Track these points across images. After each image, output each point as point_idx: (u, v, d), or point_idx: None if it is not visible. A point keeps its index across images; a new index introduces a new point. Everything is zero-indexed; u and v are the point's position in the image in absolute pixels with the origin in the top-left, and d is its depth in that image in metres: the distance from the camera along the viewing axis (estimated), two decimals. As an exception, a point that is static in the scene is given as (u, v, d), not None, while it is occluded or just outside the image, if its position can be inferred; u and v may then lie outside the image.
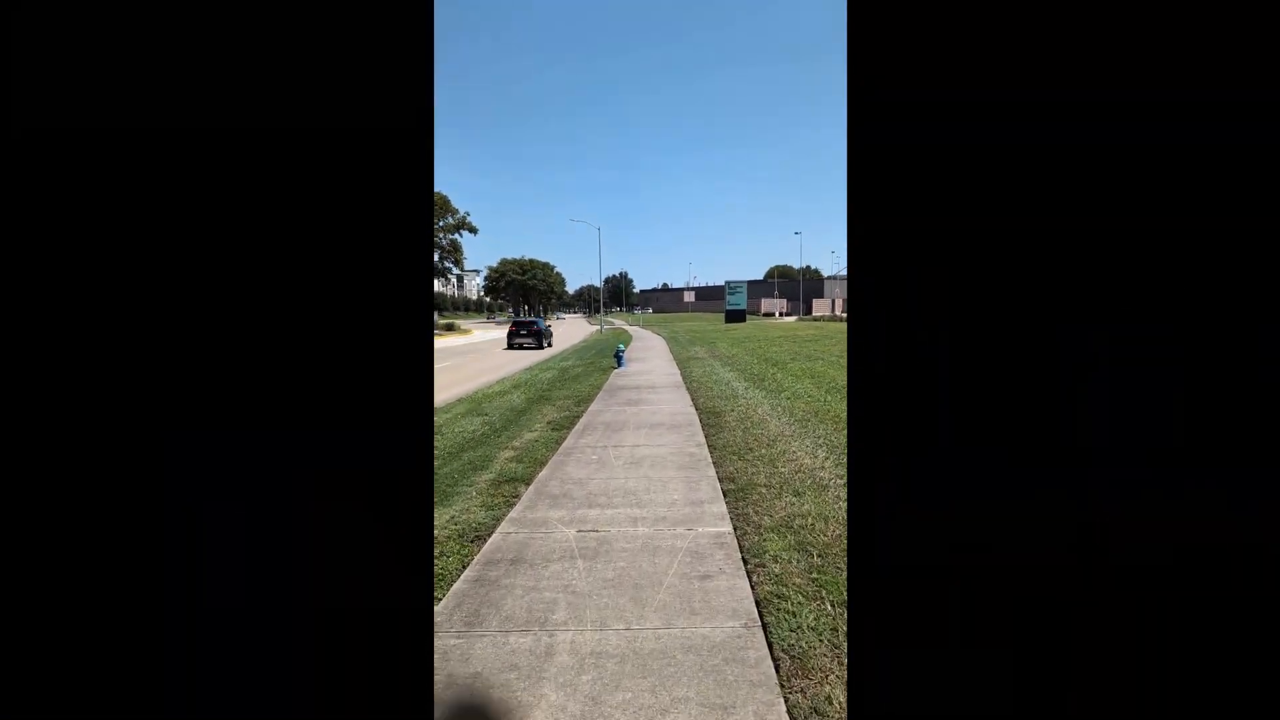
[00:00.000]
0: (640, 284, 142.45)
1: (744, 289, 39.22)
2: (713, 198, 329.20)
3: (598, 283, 40.88)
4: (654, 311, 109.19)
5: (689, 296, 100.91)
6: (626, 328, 41.07)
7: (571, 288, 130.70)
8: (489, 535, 3.35)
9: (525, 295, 73.48)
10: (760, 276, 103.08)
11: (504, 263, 71.41)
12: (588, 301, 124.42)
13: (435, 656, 2.15)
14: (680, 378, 10.40)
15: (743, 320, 38.08)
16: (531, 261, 72.42)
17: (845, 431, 5.31)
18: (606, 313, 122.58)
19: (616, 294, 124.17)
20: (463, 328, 41.51)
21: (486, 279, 73.69)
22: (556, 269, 77.60)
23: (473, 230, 41.48)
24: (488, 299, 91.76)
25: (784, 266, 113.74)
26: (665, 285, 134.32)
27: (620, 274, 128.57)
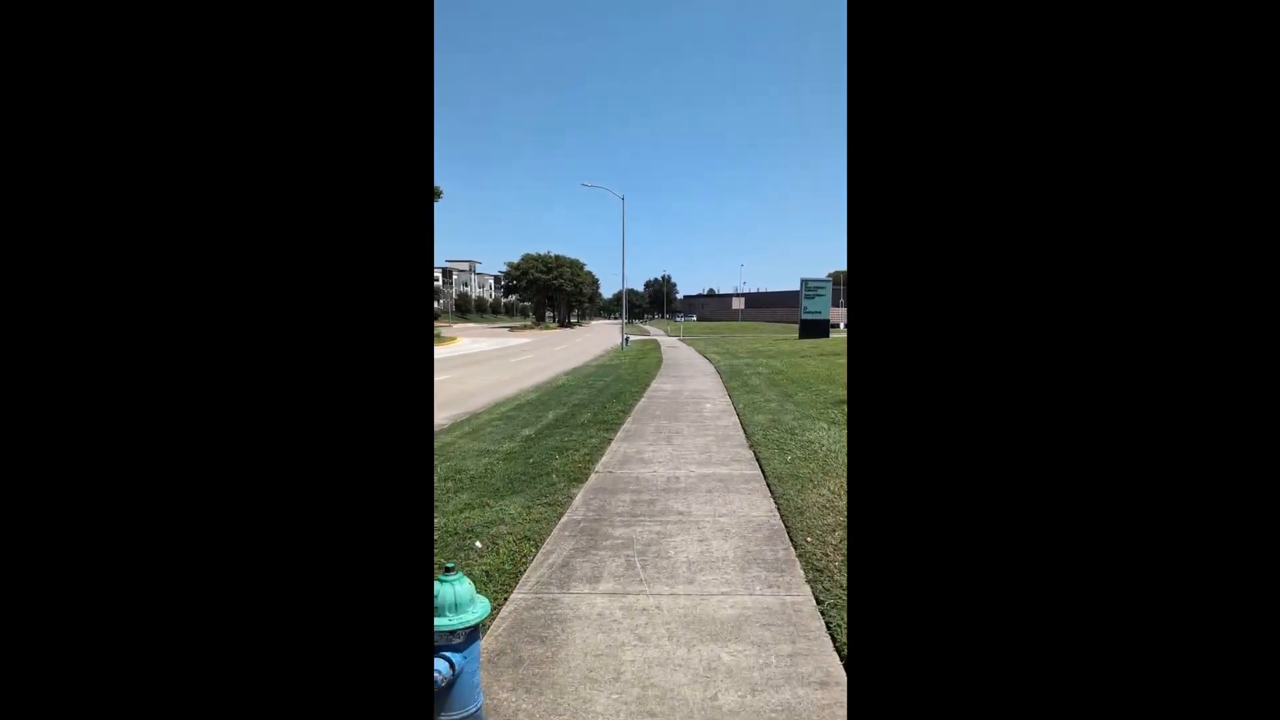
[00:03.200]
0: (684, 289, 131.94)
1: (828, 291, 28.02)
2: (766, 199, 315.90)
3: (620, 267, 31.25)
4: (698, 319, 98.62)
5: (738, 303, 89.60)
6: (663, 338, 30.91)
7: (609, 291, 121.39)
8: None
9: (550, 297, 63.74)
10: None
11: (526, 259, 61.53)
12: (628, 306, 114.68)
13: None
14: None
15: (825, 335, 26.90)
16: (558, 258, 62.29)
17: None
18: (646, 319, 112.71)
19: (657, 299, 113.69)
20: (445, 335, 31.76)
21: (505, 277, 64.15)
22: (588, 268, 67.49)
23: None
24: (513, 299, 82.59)
25: (843, 272, 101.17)
26: (711, 291, 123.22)
27: (662, 277, 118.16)
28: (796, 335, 29.06)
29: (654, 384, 11.09)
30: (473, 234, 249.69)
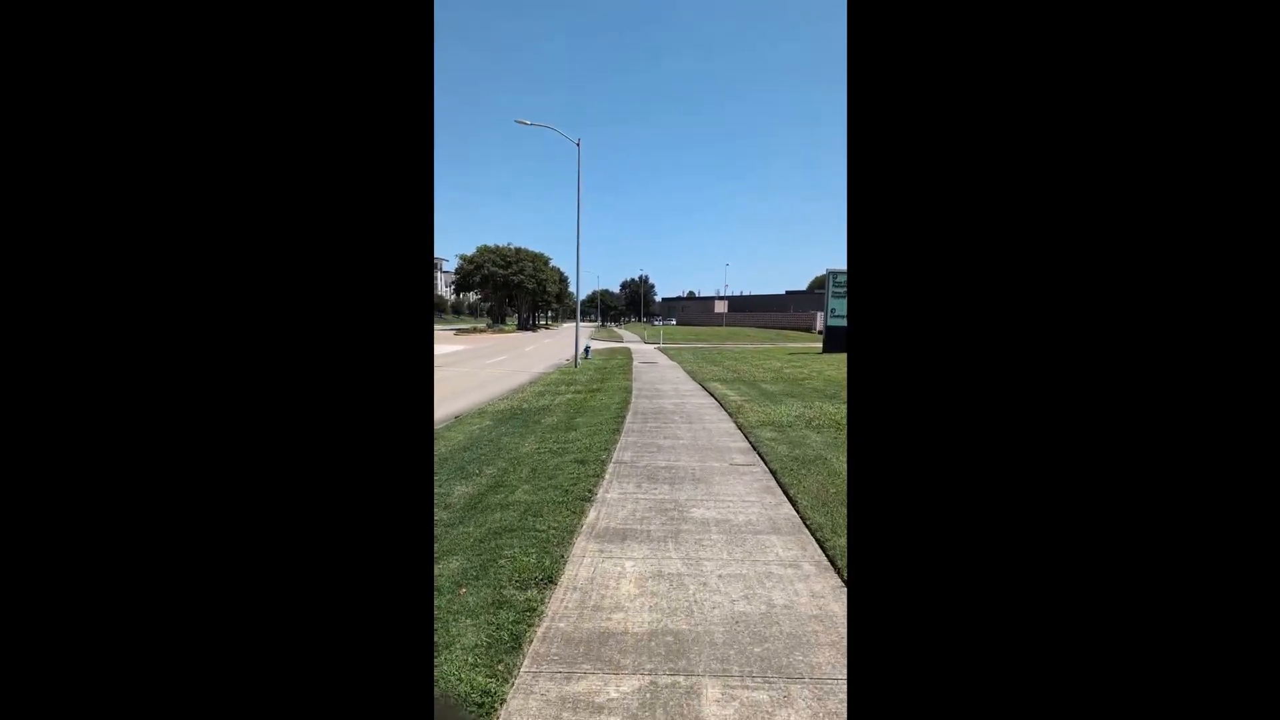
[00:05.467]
0: (662, 290, 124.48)
1: (866, 288, 20.57)
2: (749, 201, 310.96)
3: (576, 235, 18.34)
4: (678, 323, 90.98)
5: (721, 306, 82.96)
6: (638, 347, 23.10)
7: (583, 291, 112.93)
8: None
9: (511, 295, 55.25)
10: (804, 287, 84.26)
11: (482, 251, 52.54)
12: (603, 308, 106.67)
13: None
14: None
15: (863, 349, 19.29)
16: (518, 251, 53.15)
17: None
18: (622, 323, 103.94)
19: (634, 300, 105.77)
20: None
21: (457, 271, 55.17)
22: (554, 263, 58.62)
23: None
24: (475, 298, 73.66)
25: (837, 270, 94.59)
26: (691, 293, 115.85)
27: (639, 278, 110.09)
28: (810, 344, 21.57)
29: (585, 541, 3.27)
30: (442, 232, 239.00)
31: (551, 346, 26.47)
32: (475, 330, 45.40)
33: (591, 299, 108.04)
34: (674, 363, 17.26)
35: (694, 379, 12.32)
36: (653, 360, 18.27)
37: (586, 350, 19.97)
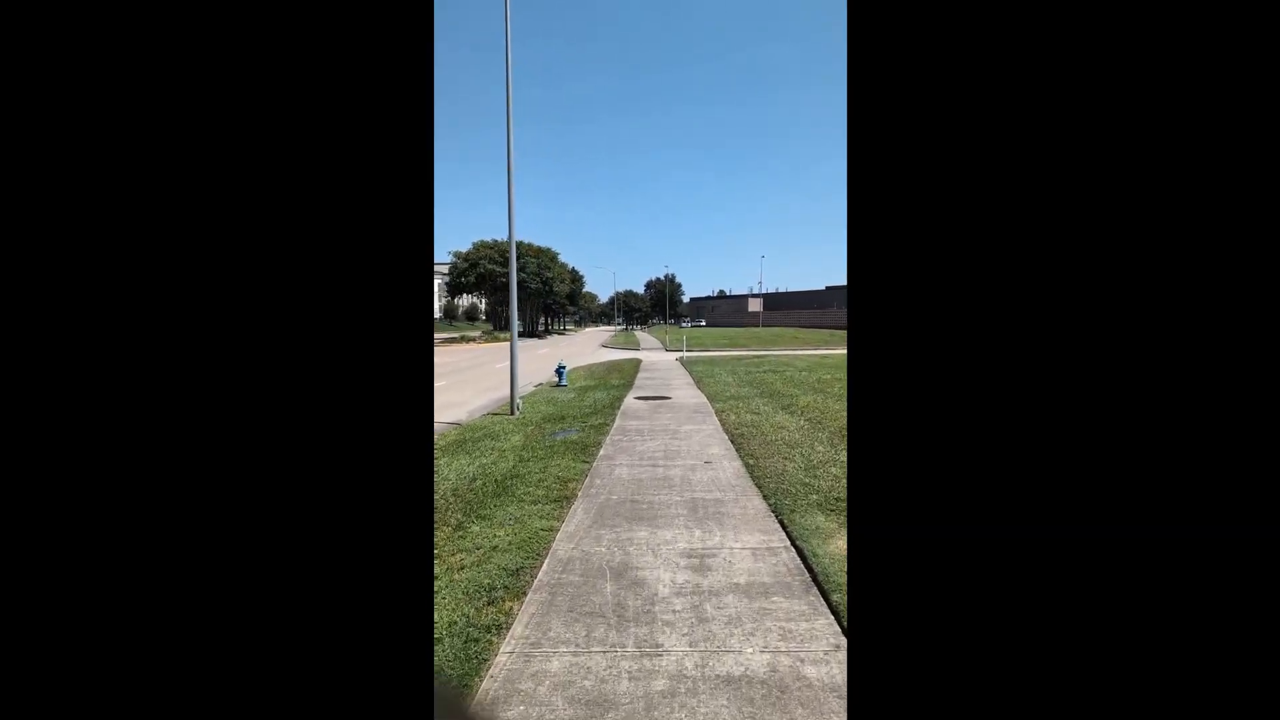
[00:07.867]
0: (690, 290, 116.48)
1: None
2: (780, 198, 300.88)
3: (507, 138, 8.01)
4: (707, 324, 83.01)
5: (755, 305, 74.50)
6: (654, 357, 15.81)
7: (604, 293, 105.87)
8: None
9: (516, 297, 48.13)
10: (841, 282, 75.55)
11: (479, 247, 45.44)
12: (626, 310, 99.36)
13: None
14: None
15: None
16: (520, 246, 46.82)
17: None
18: (646, 325, 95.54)
19: (660, 301, 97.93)
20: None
21: (451, 270, 48.13)
22: (562, 259, 51.01)
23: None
24: (480, 301, 66.86)
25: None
26: (722, 292, 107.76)
27: (665, 277, 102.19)
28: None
29: None
30: (464, 237, 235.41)
31: (532, 363, 19.05)
32: (464, 340, 38.07)
33: (612, 301, 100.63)
34: (701, 395, 9.52)
35: (751, 470, 4.62)
36: (664, 391, 10.53)
37: (560, 372, 12.47)
